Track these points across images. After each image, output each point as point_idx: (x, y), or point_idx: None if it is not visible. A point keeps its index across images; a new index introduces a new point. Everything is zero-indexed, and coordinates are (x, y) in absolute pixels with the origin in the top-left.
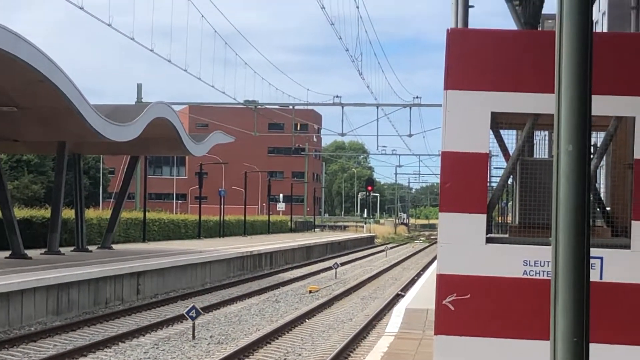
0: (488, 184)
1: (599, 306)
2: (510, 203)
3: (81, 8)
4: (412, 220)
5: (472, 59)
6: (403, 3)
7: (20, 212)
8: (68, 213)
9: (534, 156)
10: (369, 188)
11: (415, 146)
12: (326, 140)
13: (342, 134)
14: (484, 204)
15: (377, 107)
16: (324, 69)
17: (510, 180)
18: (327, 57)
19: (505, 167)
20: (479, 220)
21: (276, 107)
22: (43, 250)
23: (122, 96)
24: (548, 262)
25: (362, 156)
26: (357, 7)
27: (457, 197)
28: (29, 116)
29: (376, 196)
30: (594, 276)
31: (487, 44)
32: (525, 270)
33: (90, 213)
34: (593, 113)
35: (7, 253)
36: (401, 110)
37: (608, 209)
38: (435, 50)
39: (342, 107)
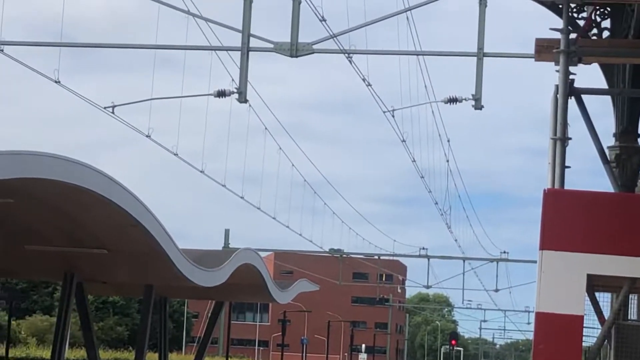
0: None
1: None
2: None
3: (175, 154)
4: None
5: (568, 220)
6: (490, 158)
7: (104, 354)
8: (152, 356)
9: (629, 319)
10: (453, 342)
11: (501, 301)
12: (410, 292)
13: (427, 287)
14: None
15: (464, 261)
16: (410, 219)
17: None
18: (414, 208)
19: (599, 329)
20: None
21: (361, 256)
22: None
23: (210, 241)
24: None
25: (446, 309)
26: (447, 161)
27: (550, 359)
28: (118, 259)
29: (460, 350)
30: None
31: (584, 205)
32: None
33: (174, 357)
34: None
35: None
36: (488, 265)
37: None
38: (522, 205)
39: (428, 259)
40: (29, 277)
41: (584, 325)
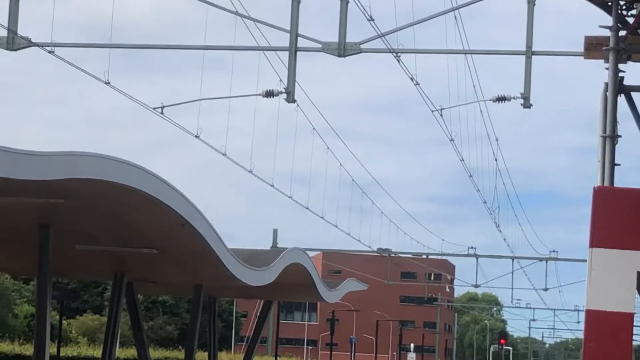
0: (633, 344)
1: None
2: None
3: (224, 154)
4: None
5: (618, 218)
6: (539, 156)
7: (154, 353)
8: (201, 356)
9: None
10: (502, 341)
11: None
12: (459, 291)
13: (476, 286)
14: None
15: (513, 260)
16: (458, 218)
17: None
18: (462, 207)
19: None
20: None
21: (409, 255)
22: None
23: (258, 241)
24: None
25: (495, 308)
26: (496, 160)
27: (600, 357)
28: (167, 258)
29: (509, 350)
30: None
31: (634, 202)
32: None
33: (223, 356)
34: None
35: None
36: (537, 264)
37: None
38: (571, 204)
39: (477, 258)
40: (80, 277)
41: (635, 323)
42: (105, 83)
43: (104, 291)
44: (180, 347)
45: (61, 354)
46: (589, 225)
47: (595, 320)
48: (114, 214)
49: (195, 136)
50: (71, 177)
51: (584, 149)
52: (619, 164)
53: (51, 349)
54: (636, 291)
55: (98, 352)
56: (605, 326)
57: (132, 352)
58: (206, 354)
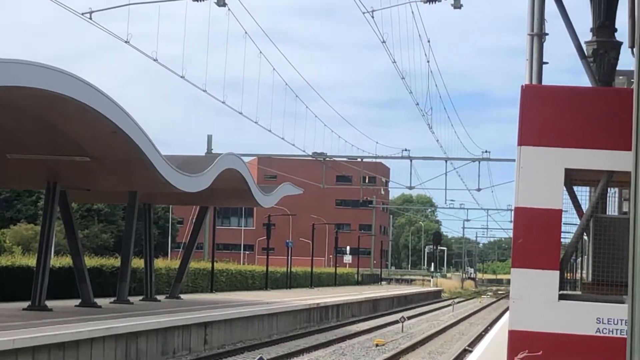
0: (561, 241)
1: None
2: (579, 260)
3: (155, 60)
4: (479, 275)
5: (546, 115)
6: (470, 58)
7: (90, 261)
8: (137, 262)
9: (607, 213)
10: (437, 242)
11: (483, 200)
12: (394, 193)
13: (410, 187)
14: (556, 261)
15: (446, 161)
16: (392, 122)
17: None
18: (396, 110)
19: (578, 223)
20: (552, 276)
21: (344, 159)
22: (112, 299)
23: (192, 147)
24: (621, 320)
25: (429, 210)
26: (428, 62)
27: (530, 253)
28: (101, 166)
29: (443, 250)
30: None
31: (562, 100)
32: (598, 328)
33: (159, 263)
34: None
35: (77, 301)
36: (470, 164)
37: None
38: (503, 105)
39: (411, 161)
40: (12, 186)
41: (565, 221)
42: None
43: (37, 200)
44: (116, 254)
45: None
46: (518, 124)
47: (524, 217)
48: (45, 122)
49: (125, 42)
50: (1, 85)
51: (517, 49)
52: (547, 62)
53: None
54: (564, 188)
55: (33, 261)
56: (534, 223)
57: (68, 260)
58: (142, 261)
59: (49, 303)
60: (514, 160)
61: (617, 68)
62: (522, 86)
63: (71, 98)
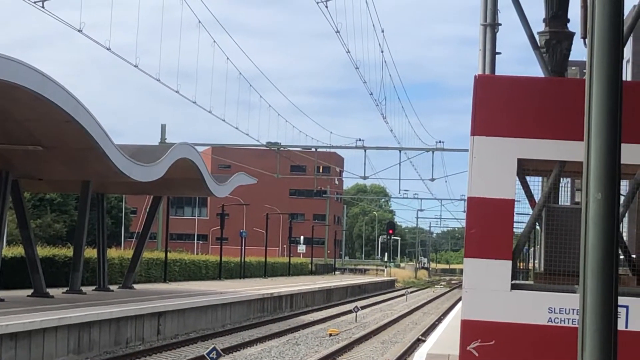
0: (514, 231)
1: (624, 355)
2: (532, 249)
3: (108, 49)
4: (432, 265)
5: (499, 105)
6: (424, 48)
7: (42, 251)
8: (90, 252)
9: (559, 203)
10: (390, 231)
11: (437, 190)
12: (348, 183)
13: (364, 177)
14: (509, 250)
15: (400, 151)
16: (346, 112)
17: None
18: (351, 100)
19: (530, 213)
20: (504, 266)
21: (298, 149)
22: (65, 289)
23: (146, 137)
24: (573, 309)
25: (383, 199)
26: (382, 52)
27: (482, 243)
28: (54, 155)
29: (397, 240)
30: (620, 325)
31: (514, 90)
32: (550, 318)
33: (112, 252)
34: (621, 161)
35: (29, 291)
36: (424, 154)
37: (633, 256)
38: (457, 95)
39: (365, 150)
40: None
41: (518, 211)
42: None
43: None
44: (68, 244)
45: None
46: (471, 114)
47: (477, 207)
48: None
49: (78, 30)
50: None
51: (467, 40)
52: (499, 53)
53: None
54: (517, 178)
55: None
56: (486, 213)
57: (20, 250)
58: (95, 250)
59: (1, 293)
60: (467, 150)
61: (570, 59)
62: (475, 76)
63: (24, 87)
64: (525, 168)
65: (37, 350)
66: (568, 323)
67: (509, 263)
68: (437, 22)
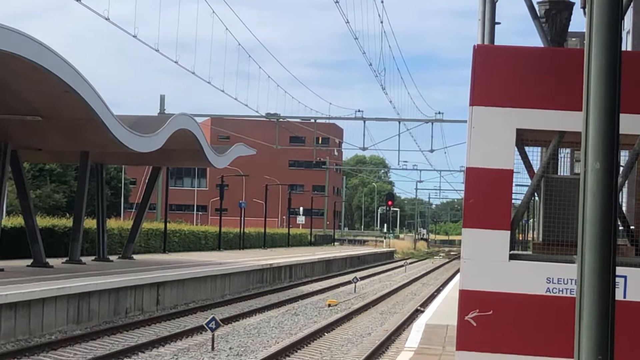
0: (512, 201)
1: (622, 325)
2: (531, 220)
3: (107, 19)
4: (431, 236)
5: (498, 76)
6: (423, 19)
7: (42, 221)
8: (90, 223)
9: (558, 173)
10: (389, 203)
11: (436, 161)
12: (347, 154)
13: (364, 148)
14: (507, 221)
15: (399, 122)
16: (346, 83)
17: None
18: (350, 71)
19: (529, 184)
20: (503, 236)
21: (298, 120)
22: (64, 259)
23: (145, 108)
24: (571, 279)
25: (382, 171)
26: (382, 22)
27: (481, 213)
28: (52, 126)
29: (396, 211)
30: (618, 295)
31: (514, 60)
32: (548, 288)
33: (112, 223)
34: (620, 131)
35: (29, 261)
36: (423, 126)
37: (632, 227)
38: (456, 66)
39: (364, 122)
40: None
41: (517, 182)
42: None
43: None
44: (68, 214)
45: None
46: (470, 84)
47: (475, 177)
48: None
49: (77, 0)
50: None
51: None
52: (499, 23)
53: None
54: (515, 148)
55: None
56: (484, 183)
57: (19, 220)
58: (95, 221)
59: (0, 263)
60: (466, 121)
61: (570, 30)
62: (474, 46)
63: (21, 56)
64: (524, 138)
65: (36, 320)
66: (566, 293)
67: (508, 233)
68: None
